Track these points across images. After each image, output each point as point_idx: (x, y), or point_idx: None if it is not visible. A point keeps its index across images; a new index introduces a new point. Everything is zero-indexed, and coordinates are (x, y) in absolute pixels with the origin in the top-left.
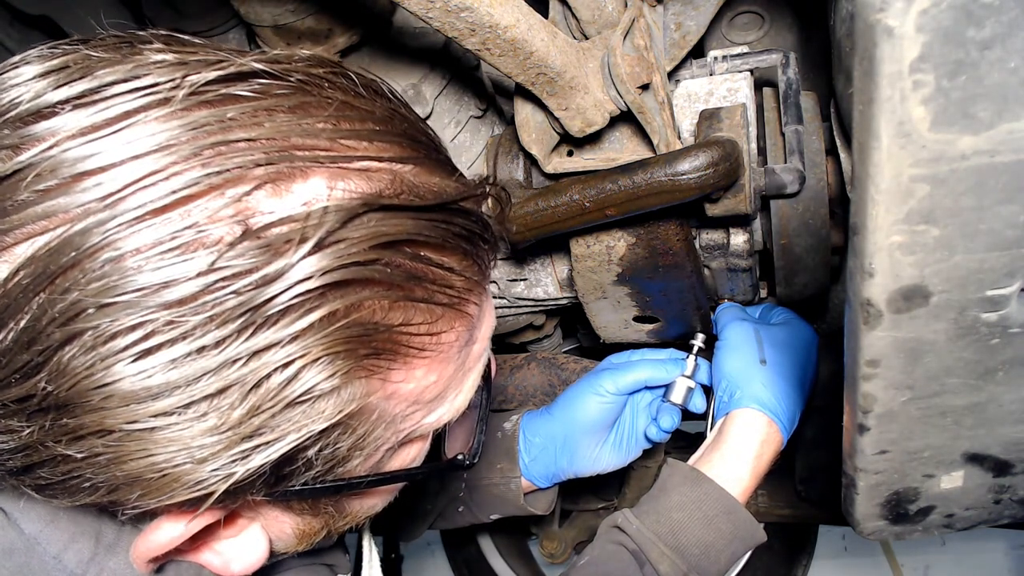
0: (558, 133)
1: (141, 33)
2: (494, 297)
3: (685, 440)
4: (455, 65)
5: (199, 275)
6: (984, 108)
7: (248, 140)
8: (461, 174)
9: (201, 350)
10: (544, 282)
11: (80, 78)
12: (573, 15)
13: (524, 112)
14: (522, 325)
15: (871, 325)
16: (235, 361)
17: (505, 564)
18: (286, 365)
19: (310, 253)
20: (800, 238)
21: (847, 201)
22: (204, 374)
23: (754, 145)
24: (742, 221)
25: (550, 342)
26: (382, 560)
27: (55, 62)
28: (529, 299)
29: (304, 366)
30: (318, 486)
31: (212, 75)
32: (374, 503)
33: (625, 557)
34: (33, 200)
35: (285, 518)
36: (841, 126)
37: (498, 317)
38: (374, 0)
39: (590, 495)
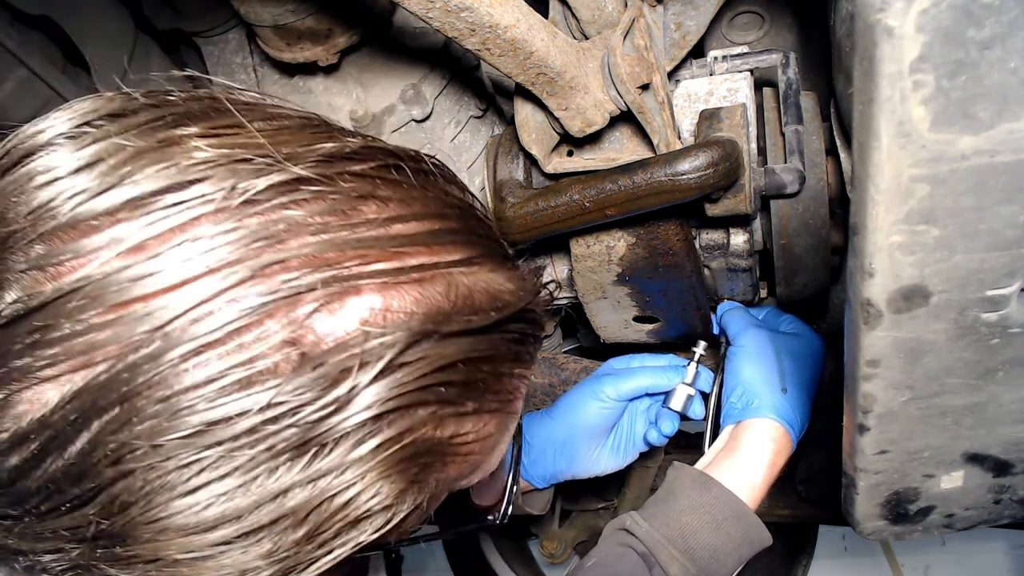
0: (558, 133)
1: (171, 98)
2: None
3: (685, 440)
4: (455, 65)
5: (256, 412)
6: (984, 108)
7: (301, 257)
8: (515, 263)
9: (255, 479)
10: None
11: (120, 183)
12: (573, 15)
13: (524, 112)
14: None
15: (871, 325)
16: (289, 490)
17: (505, 564)
18: (341, 492)
19: (369, 384)
20: (800, 238)
21: (847, 201)
22: (259, 505)
23: (754, 145)
24: (742, 221)
25: (550, 342)
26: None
27: (87, 152)
28: None
29: (359, 492)
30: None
31: (262, 184)
32: None
33: (633, 559)
34: (78, 331)
35: None
36: (841, 126)
37: None
38: (374, 0)
39: (590, 495)
